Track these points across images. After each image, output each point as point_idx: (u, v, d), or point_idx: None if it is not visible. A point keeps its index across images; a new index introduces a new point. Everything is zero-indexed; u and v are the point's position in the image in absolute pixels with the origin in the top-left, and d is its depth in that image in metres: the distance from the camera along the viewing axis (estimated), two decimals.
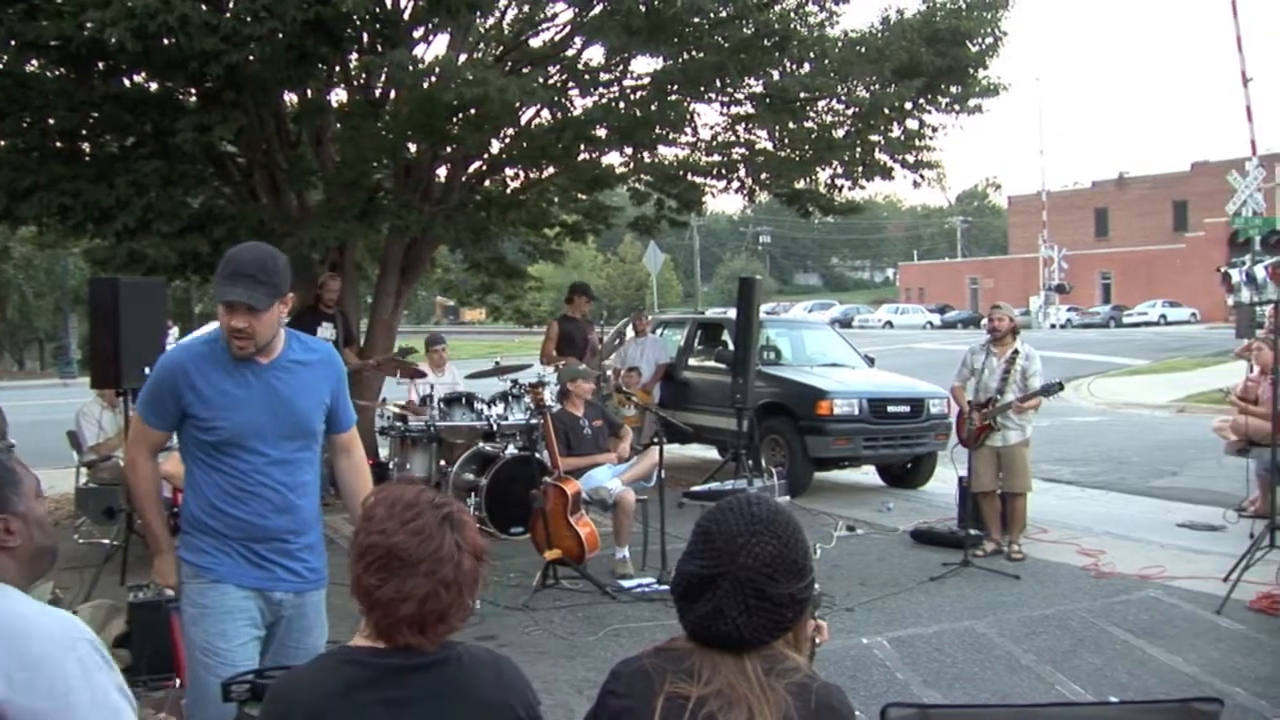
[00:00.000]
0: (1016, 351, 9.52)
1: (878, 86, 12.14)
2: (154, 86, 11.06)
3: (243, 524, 3.74)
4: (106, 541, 8.90)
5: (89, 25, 8.73)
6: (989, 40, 12.65)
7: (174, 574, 3.87)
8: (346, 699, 2.29)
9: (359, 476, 4.19)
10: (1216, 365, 29.86)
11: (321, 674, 2.38)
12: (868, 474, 14.02)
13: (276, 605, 3.81)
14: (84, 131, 11.23)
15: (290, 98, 12.29)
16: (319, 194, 12.74)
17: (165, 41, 9.15)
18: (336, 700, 2.29)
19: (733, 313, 13.84)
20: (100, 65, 10.35)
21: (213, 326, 4.02)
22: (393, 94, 11.70)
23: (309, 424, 3.91)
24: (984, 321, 10.01)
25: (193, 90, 11.04)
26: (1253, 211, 25.04)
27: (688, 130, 13.12)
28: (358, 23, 10.01)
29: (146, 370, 6.68)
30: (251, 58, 9.41)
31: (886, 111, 12.46)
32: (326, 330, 11.24)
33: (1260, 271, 8.38)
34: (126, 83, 10.86)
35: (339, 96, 12.52)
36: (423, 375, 11.78)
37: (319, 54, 10.08)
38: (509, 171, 13.88)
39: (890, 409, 12.64)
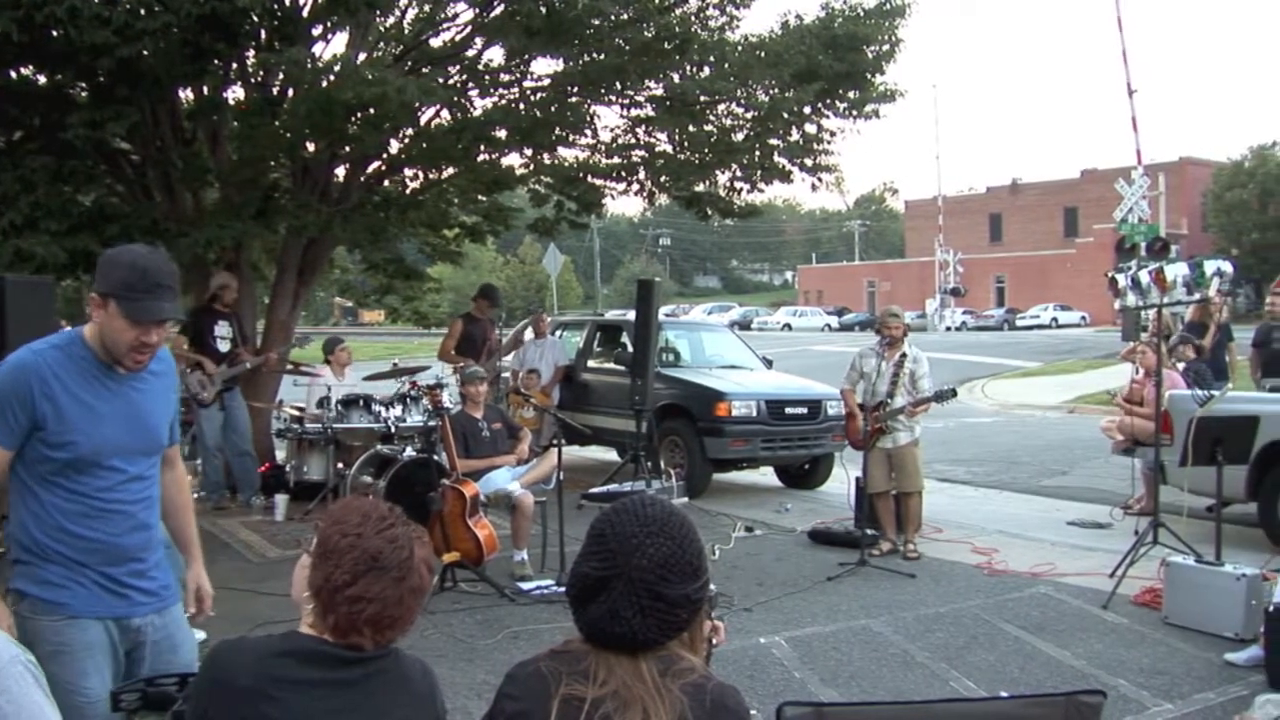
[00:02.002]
0: (905, 355, 9.65)
1: (777, 91, 12.24)
2: (42, 80, 10.80)
3: (98, 546, 3.44)
4: None
5: None
6: (886, 46, 12.83)
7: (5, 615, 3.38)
8: (289, 671, 2.34)
9: (183, 491, 3.97)
10: (1105, 367, 30.63)
11: (268, 646, 2.42)
12: (766, 475, 14.12)
13: (135, 631, 3.53)
14: None
15: (186, 94, 12.08)
16: (215, 193, 12.54)
17: (54, 33, 8.94)
18: (278, 669, 2.34)
19: (632, 315, 13.87)
20: None
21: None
22: (290, 92, 11.53)
23: (161, 437, 3.66)
24: (877, 326, 10.14)
25: (83, 84, 10.78)
26: (1138, 219, 25.67)
27: (588, 132, 13.14)
28: (255, 19, 9.87)
29: None
30: (145, 53, 9.22)
31: (785, 115, 12.56)
32: (223, 329, 11.09)
33: (1145, 277, 8.53)
34: (13, 75, 10.59)
35: (235, 94, 12.32)
36: (318, 375, 11.67)
37: (215, 50, 9.91)
38: (408, 172, 13.77)
39: (788, 410, 12.74)
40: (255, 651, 2.38)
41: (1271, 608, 6.34)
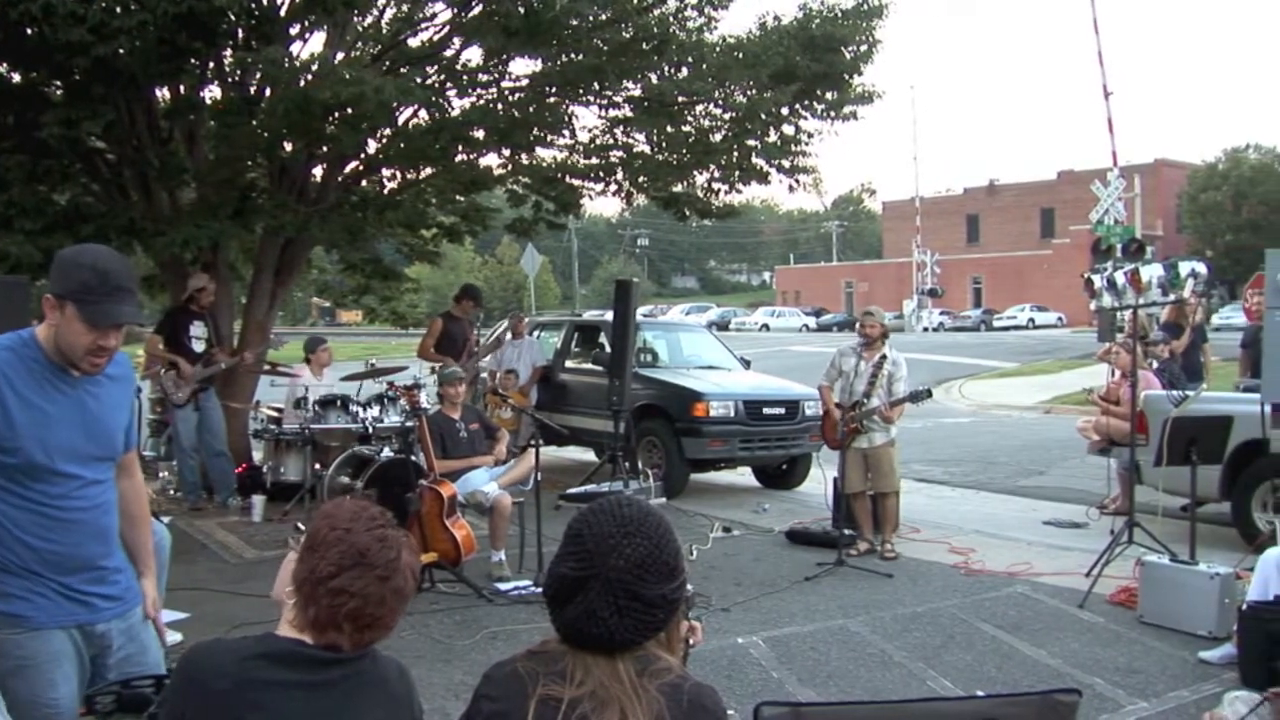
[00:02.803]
0: (884, 356, 9.69)
1: (755, 92, 12.25)
2: (16, 77, 10.74)
3: (57, 556, 3.34)
4: None
5: None
6: (864, 47, 12.84)
7: None
8: (266, 672, 2.34)
9: (140, 501, 3.84)
10: (1082, 368, 30.80)
11: (245, 645, 2.41)
12: (743, 475, 14.13)
13: (99, 638, 3.45)
14: None
15: (162, 93, 12.02)
16: (191, 192, 12.48)
17: (28, 31, 8.89)
18: (256, 670, 2.33)
19: (610, 315, 13.87)
20: None
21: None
22: (268, 92, 11.48)
23: (117, 443, 3.55)
24: (856, 326, 10.18)
25: (59, 83, 10.71)
26: (1114, 220, 25.74)
27: (566, 132, 13.12)
28: (232, 18, 9.81)
29: None
30: (121, 51, 9.17)
31: (763, 116, 12.58)
32: (198, 329, 11.05)
33: (1120, 277, 8.58)
34: None
35: (213, 93, 12.27)
36: (297, 375, 11.64)
37: (192, 49, 9.86)
38: (386, 172, 13.74)
39: (765, 411, 12.76)
40: (232, 653, 2.37)
41: (1244, 606, 6.39)
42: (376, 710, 2.45)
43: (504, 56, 11.97)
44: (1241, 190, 65.30)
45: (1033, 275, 70.33)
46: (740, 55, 11.94)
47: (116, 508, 3.60)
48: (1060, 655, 6.87)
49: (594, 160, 13.85)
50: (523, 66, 12.34)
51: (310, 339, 12.61)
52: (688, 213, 15.21)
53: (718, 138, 13.25)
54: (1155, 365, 11.57)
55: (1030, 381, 30.08)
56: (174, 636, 3.95)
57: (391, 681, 2.53)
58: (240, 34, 10.42)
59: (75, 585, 3.38)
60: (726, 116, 13.01)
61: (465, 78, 12.41)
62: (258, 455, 12.45)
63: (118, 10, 8.57)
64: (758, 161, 13.64)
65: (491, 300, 66.40)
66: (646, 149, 13.59)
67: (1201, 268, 8.64)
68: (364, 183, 13.63)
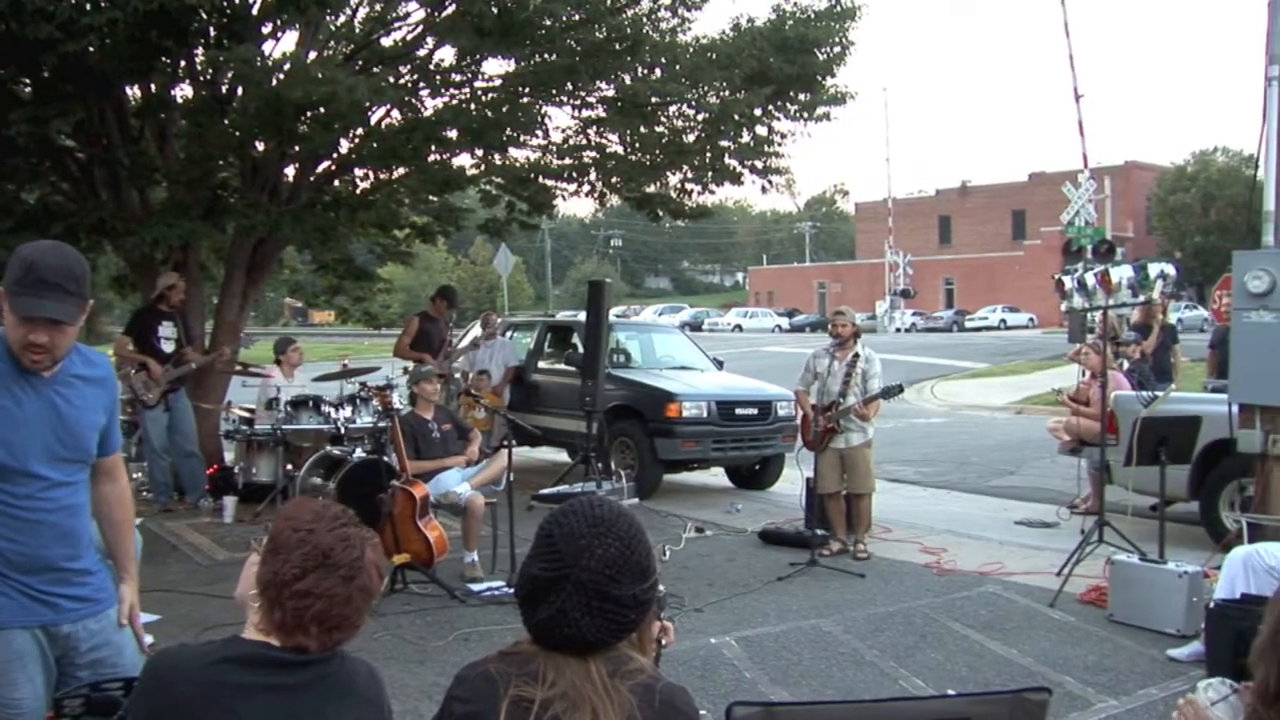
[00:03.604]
0: (857, 355, 9.71)
1: (728, 93, 12.28)
2: None
3: (20, 556, 3.28)
4: None
5: None
6: (837, 49, 12.88)
7: None
8: (232, 676, 2.31)
9: (123, 506, 3.77)
10: (1053, 368, 30.94)
11: (210, 650, 2.39)
12: (716, 476, 14.14)
13: (65, 639, 3.38)
14: None
15: (133, 91, 11.96)
16: (162, 191, 12.42)
17: None
18: (223, 674, 2.31)
19: (583, 316, 13.86)
20: None
21: None
22: (240, 91, 11.44)
23: (88, 445, 3.47)
24: (828, 326, 10.21)
25: (27, 80, 10.64)
26: (1085, 221, 25.93)
27: (539, 133, 13.13)
28: (203, 16, 9.77)
29: None
30: (91, 49, 9.10)
31: (736, 118, 12.60)
32: (168, 329, 10.98)
33: (1090, 279, 8.64)
34: None
35: (184, 92, 12.21)
36: (268, 375, 11.60)
37: (163, 47, 9.81)
38: (358, 172, 13.70)
39: (738, 411, 12.77)
40: (197, 659, 2.35)
41: (1212, 604, 6.44)
42: (346, 713, 2.43)
43: (477, 56, 11.96)
44: (1210, 192, 65.83)
45: (1004, 276, 70.69)
46: (713, 56, 11.98)
47: (88, 510, 3.54)
48: (1031, 654, 6.91)
49: (567, 160, 13.85)
50: (496, 66, 12.35)
51: (280, 339, 12.54)
52: (661, 213, 15.24)
53: (691, 138, 13.27)
54: (1126, 366, 11.64)
55: (1002, 382, 30.20)
56: (145, 639, 3.91)
57: (361, 684, 2.50)
58: (212, 32, 10.36)
59: (38, 586, 3.33)
60: (700, 117, 13.03)
61: (438, 77, 12.40)
62: (229, 456, 12.39)
63: (87, 7, 8.50)
64: (731, 162, 13.67)
65: (465, 301, 66.31)
66: (620, 149, 13.60)
67: (1170, 269, 8.70)
68: (336, 182, 13.60)
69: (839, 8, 12.73)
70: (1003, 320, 66.45)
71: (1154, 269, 8.53)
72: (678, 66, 11.92)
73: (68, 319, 3.21)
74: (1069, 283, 8.85)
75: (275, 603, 2.36)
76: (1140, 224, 70.80)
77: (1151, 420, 8.54)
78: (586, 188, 14.22)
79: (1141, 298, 8.80)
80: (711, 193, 14.62)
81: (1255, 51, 8.22)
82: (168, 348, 10.94)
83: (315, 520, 2.42)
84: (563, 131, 13.53)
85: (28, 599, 3.31)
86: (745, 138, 13.35)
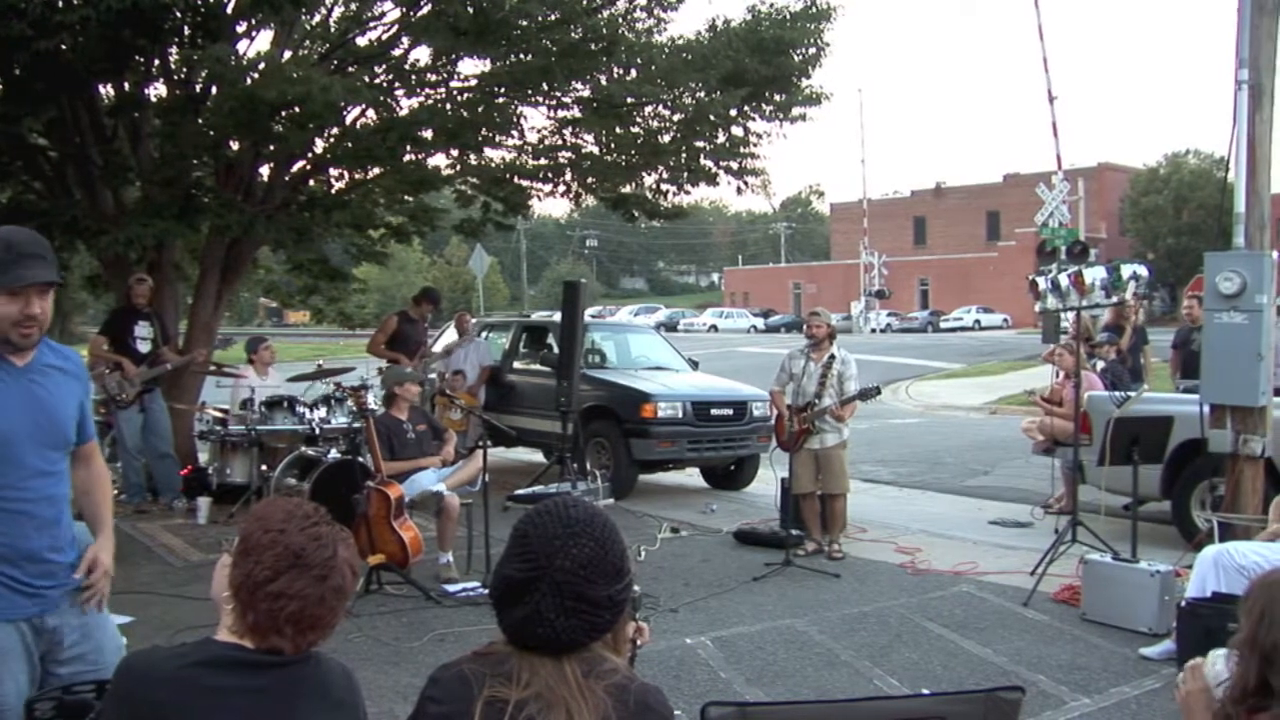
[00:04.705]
0: (833, 356, 9.73)
1: (704, 93, 12.30)
2: None
3: (3, 548, 3.32)
4: None
5: None
6: (812, 50, 12.92)
7: None
8: (207, 680, 2.30)
9: (100, 484, 3.82)
10: (1026, 369, 31.09)
11: (182, 653, 2.38)
12: (691, 476, 14.14)
13: (51, 632, 3.42)
14: None
15: (106, 90, 11.90)
16: (136, 191, 12.36)
17: None
18: (196, 678, 2.30)
19: (558, 316, 13.86)
20: None
21: None
22: (214, 90, 11.39)
23: (68, 432, 3.54)
24: (804, 327, 10.24)
25: None
26: (1059, 223, 25.96)
27: (514, 133, 13.13)
28: (177, 15, 9.74)
29: None
30: (63, 46, 9.05)
31: (712, 118, 12.63)
32: (144, 329, 10.93)
33: (1064, 280, 8.69)
34: None
35: (158, 91, 12.16)
36: (241, 376, 11.56)
37: (136, 45, 9.77)
38: (333, 172, 13.68)
39: (714, 412, 12.78)
40: (169, 662, 2.34)
41: (1183, 603, 6.49)
42: (321, 714, 2.41)
43: (453, 56, 11.96)
44: (1182, 194, 66.15)
45: (979, 277, 70.99)
46: (689, 57, 11.98)
47: (68, 503, 3.58)
48: (1005, 653, 6.94)
49: (542, 161, 13.86)
50: (471, 66, 12.36)
51: (251, 339, 12.51)
52: (636, 214, 15.25)
53: (666, 139, 13.29)
54: (1101, 366, 11.70)
55: (976, 382, 30.33)
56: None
57: (337, 686, 2.48)
58: (186, 31, 10.33)
59: (22, 578, 3.35)
60: (675, 118, 13.05)
61: (413, 77, 12.39)
62: (203, 457, 12.34)
63: (59, 4, 8.45)
64: (706, 163, 13.70)
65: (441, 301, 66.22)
66: (595, 150, 13.61)
67: (1143, 270, 8.75)
68: (311, 182, 13.57)
69: (814, 9, 12.76)
70: (977, 321, 66.81)
71: (1126, 270, 8.57)
72: (653, 67, 11.93)
73: (56, 278, 3.32)
74: (1043, 283, 8.90)
75: (248, 605, 2.34)
76: (1113, 225, 71.14)
77: (1124, 420, 8.59)
78: (562, 188, 14.23)
79: (1114, 299, 8.85)
80: (687, 193, 14.67)
81: (1226, 56, 8.30)
82: (144, 348, 10.89)
83: (287, 520, 2.40)
84: (538, 132, 13.57)
85: (11, 591, 3.33)
86: (721, 138, 13.38)
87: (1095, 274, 8.59)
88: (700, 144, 13.36)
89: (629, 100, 12.18)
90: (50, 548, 3.44)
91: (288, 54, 11.77)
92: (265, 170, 12.79)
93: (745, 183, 14.21)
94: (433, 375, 13.73)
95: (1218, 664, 2.88)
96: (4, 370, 3.36)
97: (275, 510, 2.45)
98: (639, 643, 2.77)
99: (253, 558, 2.35)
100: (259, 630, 2.35)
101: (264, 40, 12.49)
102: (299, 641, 2.37)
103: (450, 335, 15.38)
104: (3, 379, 3.35)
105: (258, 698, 2.33)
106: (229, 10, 10.81)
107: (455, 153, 13.35)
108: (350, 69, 11.52)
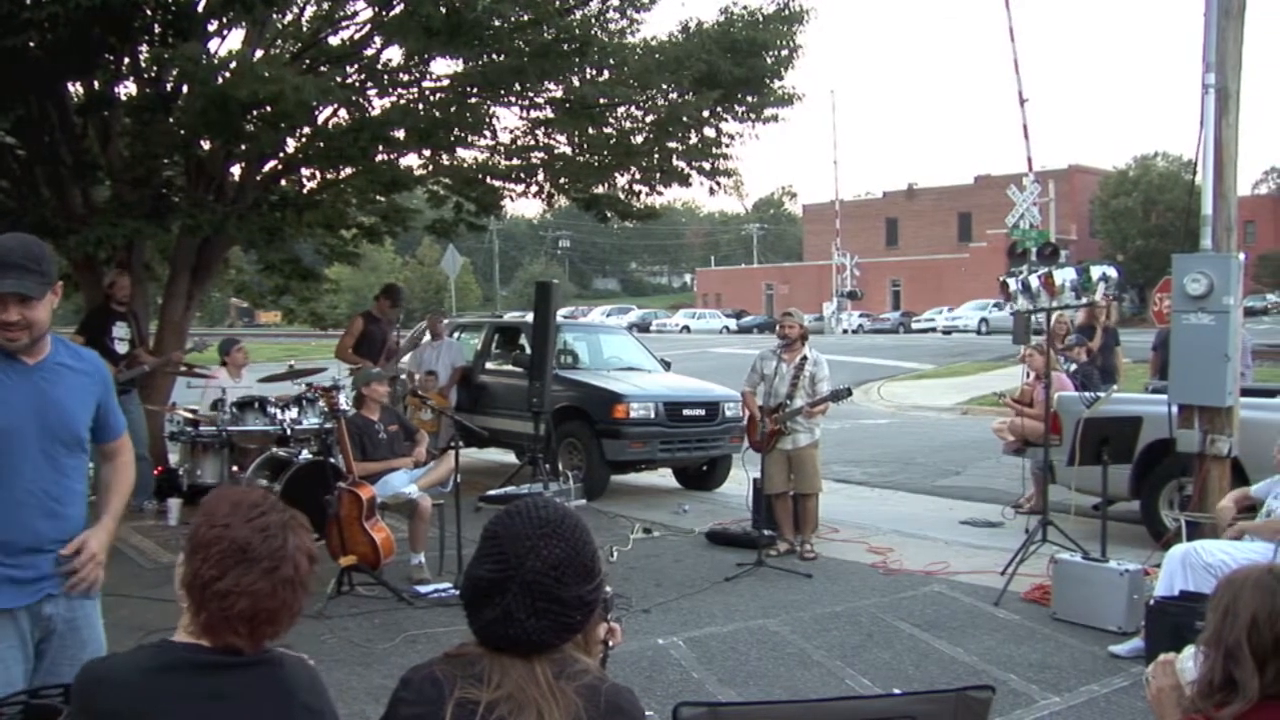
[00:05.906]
0: (805, 357, 9.76)
1: (676, 95, 12.31)
2: None
3: (5, 535, 3.42)
4: None
5: None
6: (785, 52, 12.94)
7: None
8: (166, 685, 2.26)
9: (119, 481, 3.93)
10: (998, 369, 31.25)
11: (139, 658, 2.33)
12: (664, 477, 14.16)
13: (46, 620, 3.50)
14: None
15: (75, 88, 11.81)
16: (106, 190, 12.28)
17: None
18: (154, 684, 2.26)
19: (530, 317, 13.85)
20: None
21: None
22: (184, 89, 11.32)
23: (77, 429, 3.60)
24: (776, 328, 10.27)
25: None
26: (1029, 224, 26.14)
27: (487, 133, 13.09)
28: (148, 13, 9.68)
29: None
30: (31, 43, 8.98)
31: (684, 119, 12.64)
32: (121, 329, 10.85)
33: (1034, 281, 8.75)
34: None
35: (128, 89, 12.07)
36: (213, 377, 11.49)
37: (105, 43, 9.70)
38: (305, 171, 13.61)
39: (686, 412, 12.79)
40: (127, 669, 2.29)
41: (1152, 601, 6.54)
42: (285, 716, 2.36)
43: (425, 56, 11.92)
44: (1151, 196, 66.61)
45: (951, 278, 71.22)
46: (662, 58, 11.99)
47: (81, 499, 3.67)
48: (976, 652, 6.98)
49: (515, 161, 13.84)
50: (444, 66, 12.32)
51: (224, 340, 12.44)
52: (609, 214, 15.26)
53: (639, 140, 13.29)
54: (1073, 367, 11.77)
55: (947, 383, 30.43)
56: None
57: (301, 689, 2.41)
58: (156, 29, 10.26)
59: (22, 564, 3.43)
60: (648, 119, 13.06)
61: (386, 77, 12.35)
62: (174, 458, 12.26)
63: (28, 1, 8.38)
64: (679, 164, 13.71)
65: (412, 301, 66.02)
66: (568, 150, 13.61)
67: (1112, 271, 8.82)
68: (283, 182, 13.49)
69: (787, 11, 12.79)
70: (984, 320, 66.84)
71: (1096, 271, 8.64)
72: (626, 68, 11.95)
73: (29, 291, 3.35)
74: (1014, 285, 8.95)
75: (199, 604, 2.29)
76: (1083, 227, 71.55)
77: (1094, 420, 8.66)
78: (534, 188, 14.22)
79: (1084, 300, 8.91)
80: (659, 194, 14.68)
81: (1194, 59, 8.37)
82: (121, 348, 10.81)
83: (231, 513, 2.33)
84: (511, 132, 13.53)
85: (11, 581, 3.40)
86: (693, 139, 13.39)
87: (1065, 275, 8.65)
88: (673, 145, 13.37)
89: (602, 101, 12.17)
90: (55, 539, 3.52)
91: (259, 53, 11.71)
92: (236, 170, 12.73)
93: (718, 184, 14.24)
94: (403, 375, 13.69)
95: (1189, 661, 2.91)
96: (13, 369, 3.45)
97: (221, 503, 2.38)
98: (611, 644, 2.77)
99: (199, 555, 2.30)
100: (212, 629, 2.30)
101: (235, 39, 12.44)
102: (255, 638, 2.32)
103: (424, 335, 15.34)
104: (11, 377, 3.44)
105: (221, 701, 2.28)
106: (200, 9, 10.73)
107: (427, 153, 13.32)
108: (322, 68, 11.47)
